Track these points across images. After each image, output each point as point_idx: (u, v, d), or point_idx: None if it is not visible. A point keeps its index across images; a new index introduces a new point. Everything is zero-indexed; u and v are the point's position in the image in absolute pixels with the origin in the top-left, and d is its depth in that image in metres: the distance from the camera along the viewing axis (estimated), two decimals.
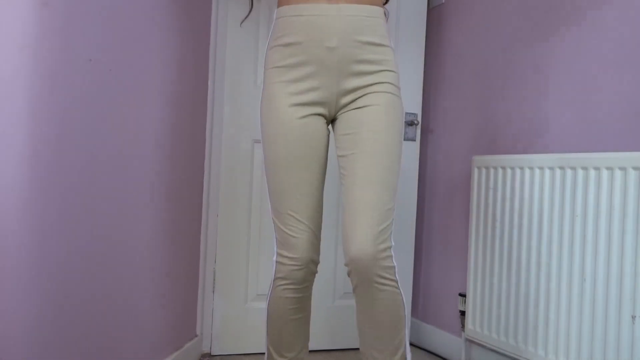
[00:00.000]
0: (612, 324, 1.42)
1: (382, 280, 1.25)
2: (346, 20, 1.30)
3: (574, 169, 1.54)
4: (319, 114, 1.35)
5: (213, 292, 2.05)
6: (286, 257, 1.34)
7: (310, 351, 2.15)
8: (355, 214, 1.23)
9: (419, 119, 2.28)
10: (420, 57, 2.27)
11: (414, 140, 2.29)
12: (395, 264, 1.28)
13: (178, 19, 1.71)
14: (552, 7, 1.76)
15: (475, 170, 1.89)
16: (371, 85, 1.32)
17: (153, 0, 1.52)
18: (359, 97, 1.33)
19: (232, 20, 2.05)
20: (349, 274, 1.27)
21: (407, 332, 1.32)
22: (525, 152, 1.83)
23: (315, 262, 1.36)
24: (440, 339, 2.18)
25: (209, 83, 2.02)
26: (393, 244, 1.31)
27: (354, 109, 1.33)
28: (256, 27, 2.09)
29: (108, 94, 1.31)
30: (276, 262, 1.36)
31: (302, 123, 1.32)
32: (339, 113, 1.36)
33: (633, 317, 1.37)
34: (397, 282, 1.29)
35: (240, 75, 2.07)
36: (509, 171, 1.76)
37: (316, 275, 2.14)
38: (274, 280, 1.37)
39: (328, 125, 1.39)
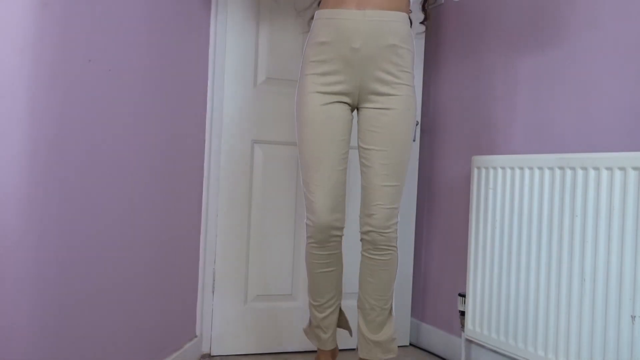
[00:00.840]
0: (611, 324, 1.42)
1: (390, 247, 1.61)
2: (370, 24, 1.50)
3: (573, 169, 1.54)
4: (344, 102, 1.58)
5: (213, 292, 2.05)
6: (310, 219, 1.61)
7: (309, 352, 2.15)
8: (375, 198, 1.56)
9: (419, 119, 2.28)
10: (419, 57, 2.27)
11: (414, 141, 2.28)
12: (397, 234, 1.63)
13: (177, 20, 1.71)
14: (552, 6, 1.76)
15: (475, 171, 1.89)
16: (391, 85, 1.53)
17: (153, 1, 1.52)
18: (381, 97, 1.54)
19: (231, 20, 2.05)
20: (363, 240, 1.62)
21: (393, 293, 1.68)
22: (524, 152, 1.83)
23: (337, 227, 1.61)
24: (440, 339, 2.18)
25: (209, 83, 2.02)
26: (399, 219, 1.63)
27: (376, 108, 1.55)
28: (256, 28, 2.09)
29: (107, 95, 1.31)
30: (305, 224, 1.65)
31: (326, 108, 1.56)
32: (362, 106, 1.59)
33: (633, 317, 1.37)
34: (397, 247, 1.64)
35: (240, 76, 2.07)
36: (508, 171, 1.76)
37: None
38: (306, 238, 1.67)
39: (353, 111, 1.62)
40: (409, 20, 1.58)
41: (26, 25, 1.02)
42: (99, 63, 1.25)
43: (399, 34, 1.52)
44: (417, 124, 2.26)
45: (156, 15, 1.55)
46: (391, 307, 1.67)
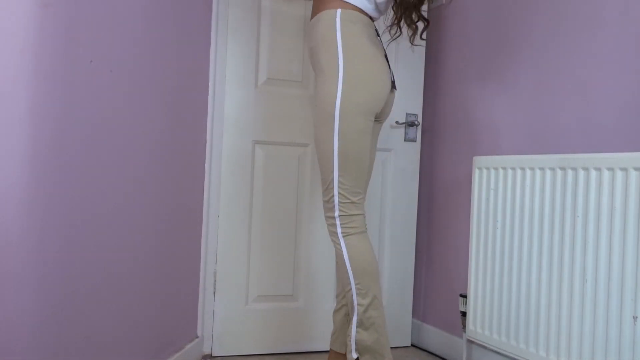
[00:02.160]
0: (613, 324, 1.42)
1: (332, 240, 1.60)
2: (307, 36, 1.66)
3: (574, 169, 1.54)
4: None
5: (214, 293, 2.05)
6: None
7: (311, 352, 2.15)
8: None
9: (420, 119, 2.28)
10: (420, 57, 2.27)
11: (415, 141, 2.29)
12: (338, 230, 1.57)
13: (179, 21, 1.71)
14: (553, 7, 1.76)
15: (476, 171, 1.89)
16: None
17: (154, 2, 1.52)
18: None
19: (232, 21, 2.05)
20: None
21: (354, 289, 1.56)
22: (526, 152, 1.83)
23: None
24: (441, 339, 2.18)
25: (210, 84, 2.02)
26: (339, 214, 1.56)
27: None
28: (257, 29, 2.09)
29: (109, 95, 1.31)
30: None
31: None
32: None
33: (634, 318, 1.37)
34: (340, 244, 1.57)
35: (241, 77, 2.07)
36: (509, 172, 1.76)
37: (317, 276, 2.15)
38: None
39: None
40: (329, 15, 1.54)
41: (27, 26, 1.03)
42: (100, 64, 1.26)
43: (313, 36, 1.59)
44: (418, 125, 2.27)
45: (157, 16, 1.55)
46: (354, 314, 1.56)
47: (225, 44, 2.05)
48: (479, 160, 1.89)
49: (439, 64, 2.29)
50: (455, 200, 2.15)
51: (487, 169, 1.84)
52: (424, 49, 2.27)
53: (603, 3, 1.60)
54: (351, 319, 1.58)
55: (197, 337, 1.99)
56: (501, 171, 1.79)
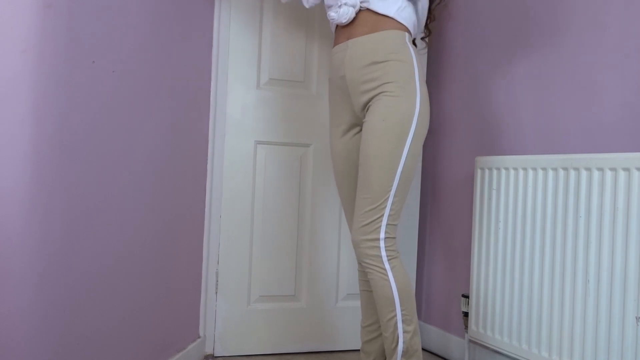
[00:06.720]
0: (615, 325, 1.41)
1: (368, 264, 1.50)
2: (351, 52, 1.56)
3: (577, 169, 1.54)
4: (355, 131, 1.64)
5: (216, 293, 2.05)
6: None
7: (312, 353, 2.15)
8: (355, 211, 1.54)
9: None
10: (423, 58, 2.27)
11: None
12: (383, 253, 1.49)
13: (181, 21, 1.72)
14: (554, 7, 1.76)
15: (478, 171, 1.89)
16: (373, 97, 1.53)
17: (156, 2, 1.53)
18: (367, 111, 1.56)
19: (234, 21, 2.05)
20: None
21: (399, 316, 1.50)
22: (528, 152, 1.83)
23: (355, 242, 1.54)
24: (443, 340, 2.18)
25: (212, 84, 2.02)
26: (386, 236, 1.49)
27: (364, 122, 1.56)
28: (259, 29, 2.09)
29: (111, 95, 1.31)
30: None
31: (343, 142, 1.66)
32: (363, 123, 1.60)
33: (637, 318, 1.37)
34: (384, 268, 1.49)
35: (243, 77, 2.07)
36: (512, 172, 1.75)
37: (319, 277, 2.15)
38: None
39: None
40: (398, 35, 1.55)
41: (30, 26, 1.03)
42: (102, 64, 1.26)
43: (379, 51, 1.52)
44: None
45: (160, 16, 1.55)
46: (398, 343, 1.51)
47: (228, 44, 2.05)
48: (481, 161, 1.88)
49: (441, 64, 2.29)
50: (458, 200, 2.15)
51: (490, 169, 1.84)
52: (426, 49, 2.27)
53: (606, 4, 1.60)
54: (394, 347, 1.51)
55: (199, 337, 2.00)
56: (503, 171, 1.79)
